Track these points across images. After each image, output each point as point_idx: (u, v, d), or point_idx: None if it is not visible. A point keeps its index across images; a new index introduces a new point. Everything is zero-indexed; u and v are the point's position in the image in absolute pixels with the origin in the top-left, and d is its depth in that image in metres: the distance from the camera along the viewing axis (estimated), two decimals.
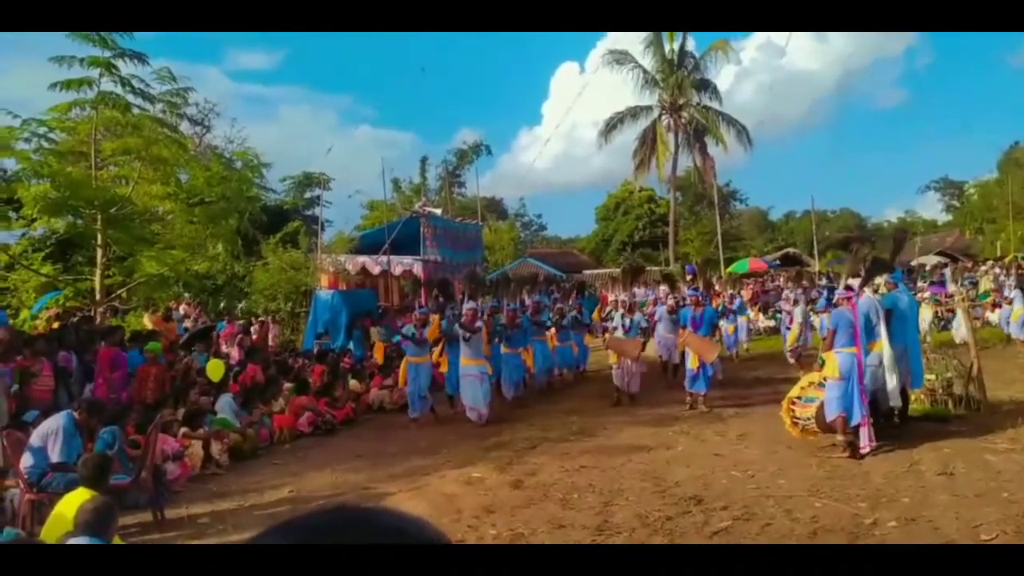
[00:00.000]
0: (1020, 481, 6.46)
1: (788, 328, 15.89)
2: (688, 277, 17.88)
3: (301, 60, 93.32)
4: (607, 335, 12.52)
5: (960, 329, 17.53)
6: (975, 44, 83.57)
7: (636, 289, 22.05)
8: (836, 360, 7.94)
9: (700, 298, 12.24)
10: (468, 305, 11.92)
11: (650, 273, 27.22)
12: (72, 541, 3.88)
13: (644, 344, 12.69)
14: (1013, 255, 30.28)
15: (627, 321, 12.50)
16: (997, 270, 25.44)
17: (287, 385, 11.88)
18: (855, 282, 8.83)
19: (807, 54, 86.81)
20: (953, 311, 18.79)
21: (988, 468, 7.00)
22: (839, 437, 7.81)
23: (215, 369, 11.14)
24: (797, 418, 8.32)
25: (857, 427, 7.76)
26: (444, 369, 11.88)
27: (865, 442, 7.73)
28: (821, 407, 7.99)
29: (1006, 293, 20.07)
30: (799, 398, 8.44)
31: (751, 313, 22.10)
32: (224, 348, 14.24)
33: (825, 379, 8.16)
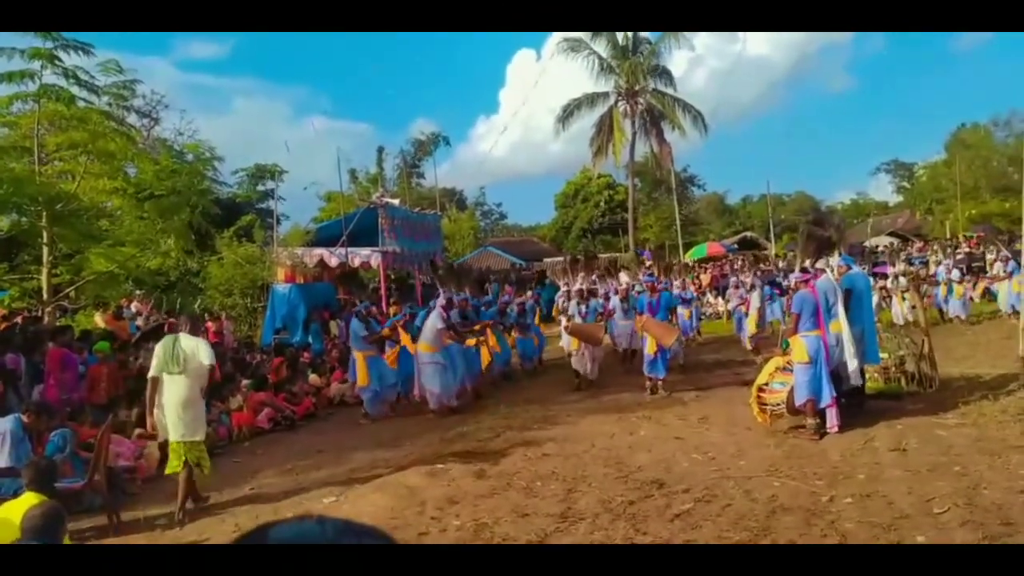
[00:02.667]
0: (970, 455, 6.63)
1: (745, 315, 15.82)
2: (647, 263, 17.98)
3: (252, 50, 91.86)
4: (566, 323, 12.52)
5: (898, 311, 18.07)
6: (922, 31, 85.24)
7: (595, 277, 22.24)
8: (803, 344, 8.00)
9: (656, 283, 12.34)
10: (460, 296, 11.84)
11: (601, 261, 27.43)
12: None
13: (605, 329, 12.77)
14: (960, 234, 31.17)
15: (583, 308, 12.54)
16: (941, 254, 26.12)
17: (245, 382, 11.69)
18: (811, 263, 8.97)
19: (760, 40, 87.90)
20: (891, 294, 19.26)
21: (940, 443, 7.18)
22: (808, 420, 7.91)
23: None
24: (765, 404, 8.34)
25: (824, 408, 7.90)
26: (392, 366, 11.66)
27: (833, 422, 7.88)
28: (791, 392, 8.08)
29: (941, 273, 20.66)
30: (767, 384, 8.47)
31: (700, 299, 22.36)
32: None
33: (790, 363, 8.27)
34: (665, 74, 36.60)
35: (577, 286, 13.44)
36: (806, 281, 8.42)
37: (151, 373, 6.98)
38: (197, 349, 6.87)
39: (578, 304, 12.62)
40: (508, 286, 17.24)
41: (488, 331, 12.69)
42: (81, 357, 10.30)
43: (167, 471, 7.03)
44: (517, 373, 14.57)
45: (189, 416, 6.83)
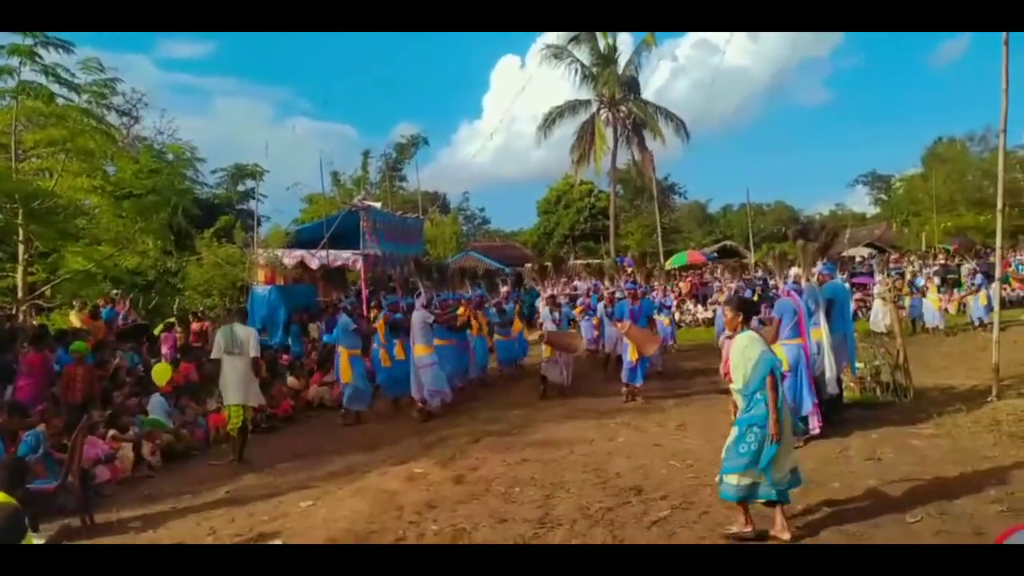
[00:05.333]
0: (944, 465, 6.73)
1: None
2: (628, 270, 18.01)
3: (235, 50, 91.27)
4: (541, 331, 12.44)
5: (879, 319, 18.21)
6: (897, 44, 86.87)
7: (577, 282, 22.24)
8: (783, 352, 7.99)
9: (637, 290, 12.36)
10: (424, 295, 11.78)
11: (576, 266, 27.47)
12: None
13: (581, 337, 12.77)
14: (935, 246, 31.60)
15: (556, 315, 12.51)
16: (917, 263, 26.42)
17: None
18: (795, 272, 9.04)
19: (740, 52, 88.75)
20: (869, 302, 19.41)
21: (914, 453, 7.28)
22: None
23: (161, 373, 10.80)
24: None
25: (806, 415, 7.96)
26: (386, 364, 11.74)
27: (814, 424, 7.96)
28: None
29: (920, 282, 20.90)
30: None
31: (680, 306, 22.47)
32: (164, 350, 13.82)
33: None
34: (644, 84, 36.89)
35: (548, 293, 13.35)
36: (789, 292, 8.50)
37: (213, 355, 9.19)
38: (249, 336, 9.03)
39: (551, 311, 12.55)
40: (504, 288, 17.18)
41: (472, 315, 12.71)
42: (55, 356, 10.16)
43: (228, 428, 9.06)
44: (496, 378, 14.55)
45: (245, 386, 8.93)
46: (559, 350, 12.03)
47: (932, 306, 19.00)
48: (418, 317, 11.06)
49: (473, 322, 12.94)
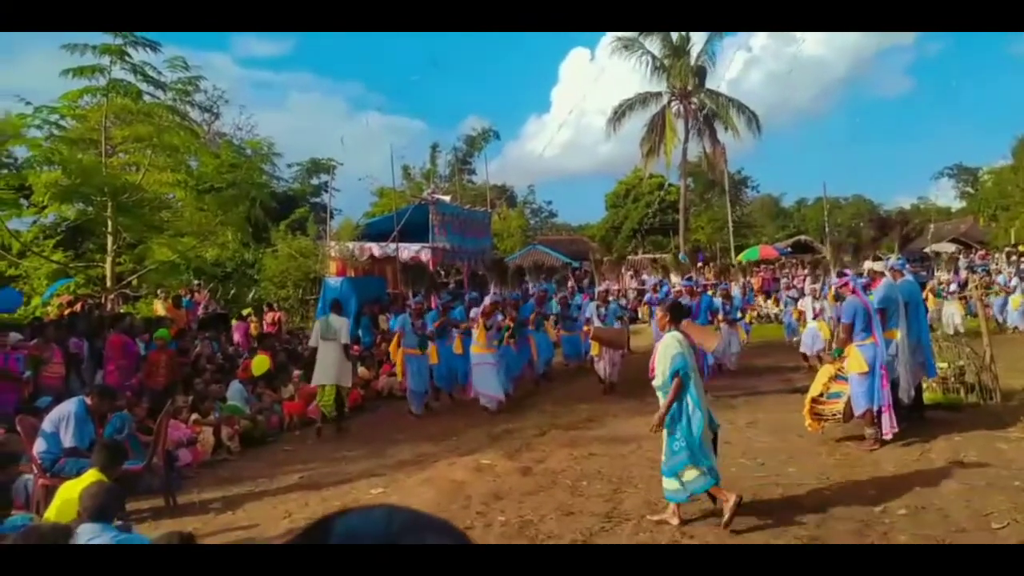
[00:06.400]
0: None
1: (795, 321, 15.30)
2: (698, 265, 17.73)
3: (310, 47, 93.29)
4: (587, 327, 12.28)
5: (953, 319, 17.44)
6: (983, 33, 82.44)
7: (645, 276, 22.03)
8: (859, 354, 7.76)
9: (694, 287, 12.13)
10: (489, 297, 11.85)
11: (643, 260, 27.11)
12: (81, 527, 3.91)
13: (628, 333, 12.54)
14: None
15: (603, 311, 12.37)
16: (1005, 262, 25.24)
17: (296, 372, 11.92)
18: (868, 266, 8.73)
19: (816, 41, 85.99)
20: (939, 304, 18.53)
21: (1000, 457, 6.96)
22: (867, 430, 7.70)
23: (260, 364, 11.22)
24: (820, 414, 8.13)
25: (880, 414, 7.67)
26: (434, 361, 11.72)
27: (888, 427, 7.61)
28: (848, 402, 7.89)
29: (1001, 281, 19.98)
30: (821, 395, 8.23)
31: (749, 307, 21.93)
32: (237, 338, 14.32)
33: (842, 371, 8.07)
34: (717, 75, 36.15)
35: (602, 288, 13.21)
36: (845, 285, 8.21)
37: (311, 342, 10.72)
38: (342, 325, 10.24)
39: (598, 307, 12.41)
40: (571, 283, 17.14)
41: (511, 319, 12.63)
42: (144, 342, 10.64)
43: (321, 405, 10.17)
44: (561, 372, 14.52)
45: (340, 368, 10.11)
46: (605, 346, 11.88)
47: (1012, 305, 18.11)
48: (475, 315, 11.17)
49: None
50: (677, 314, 5.99)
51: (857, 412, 7.75)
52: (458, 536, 0.77)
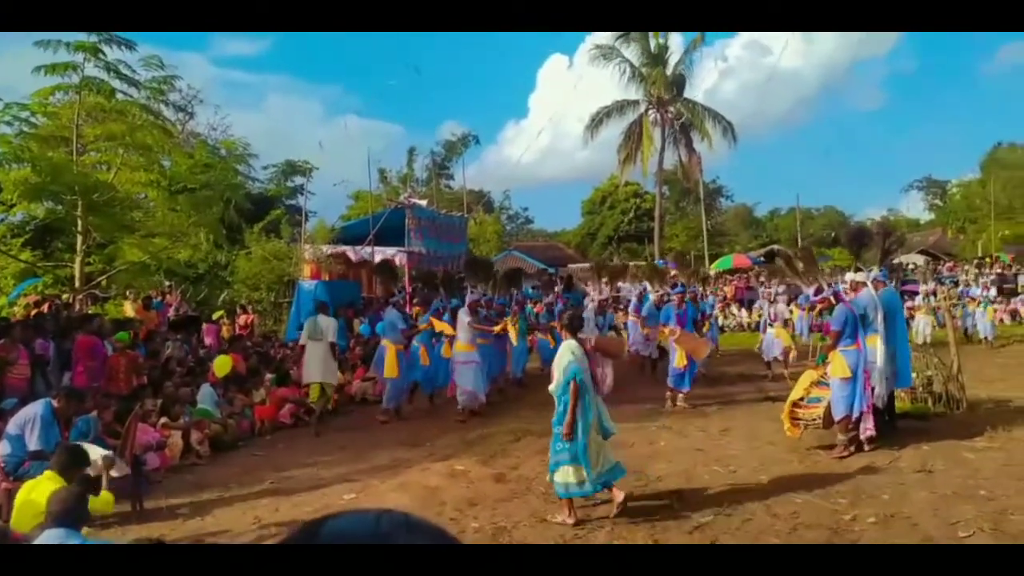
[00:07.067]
0: (998, 479, 6.53)
1: (770, 324, 15.44)
2: (672, 272, 17.79)
3: (288, 48, 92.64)
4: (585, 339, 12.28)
5: (925, 330, 17.76)
6: (955, 47, 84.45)
7: (620, 284, 22.10)
8: (843, 359, 7.88)
9: (683, 295, 12.20)
10: (473, 295, 11.78)
11: (633, 269, 27.20)
12: (46, 532, 3.82)
13: (626, 343, 12.62)
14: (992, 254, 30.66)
15: (600, 320, 12.40)
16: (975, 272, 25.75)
17: (268, 376, 11.78)
18: (851, 277, 8.85)
19: (792, 53, 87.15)
20: (913, 313, 18.88)
21: (966, 466, 7.07)
22: (840, 436, 7.81)
23: (222, 365, 11.06)
24: (799, 419, 8.20)
25: (860, 419, 7.76)
26: (425, 363, 11.72)
27: (868, 425, 7.72)
28: (828, 407, 7.98)
29: (972, 293, 20.39)
30: (802, 399, 8.32)
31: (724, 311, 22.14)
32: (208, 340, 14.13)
33: (824, 377, 8.18)
34: (694, 84, 36.51)
35: (601, 297, 13.27)
36: (824, 300, 8.37)
37: (300, 341, 11.27)
38: (329, 325, 10.65)
39: (595, 316, 12.41)
40: (557, 288, 17.15)
41: (508, 325, 12.65)
42: (112, 344, 10.45)
43: (310, 401, 10.80)
44: (537, 377, 14.49)
45: (325, 366, 10.53)
46: (605, 356, 11.86)
47: (985, 316, 18.47)
48: (461, 315, 11.11)
49: (511, 329, 12.80)
50: (573, 325, 6.52)
51: (836, 418, 7.86)
52: (450, 539, 0.77)
